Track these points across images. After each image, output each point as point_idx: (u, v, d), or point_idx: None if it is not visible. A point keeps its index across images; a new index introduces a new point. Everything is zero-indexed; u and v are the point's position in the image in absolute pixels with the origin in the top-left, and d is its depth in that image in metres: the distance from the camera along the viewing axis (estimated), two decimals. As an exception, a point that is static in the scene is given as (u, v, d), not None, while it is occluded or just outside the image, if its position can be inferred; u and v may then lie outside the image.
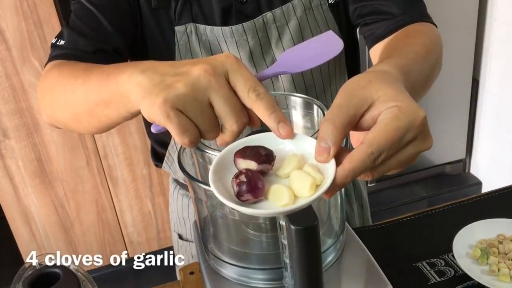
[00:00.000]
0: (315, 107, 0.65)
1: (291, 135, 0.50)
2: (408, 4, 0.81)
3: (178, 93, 0.48)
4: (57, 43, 0.80)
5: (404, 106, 0.46)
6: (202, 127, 0.50)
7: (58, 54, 0.79)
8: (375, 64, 0.63)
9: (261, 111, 0.49)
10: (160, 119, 0.49)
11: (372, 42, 0.83)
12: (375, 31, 0.82)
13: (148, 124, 0.96)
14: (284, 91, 0.84)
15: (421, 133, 0.47)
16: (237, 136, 0.51)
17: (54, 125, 0.79)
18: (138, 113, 0.56)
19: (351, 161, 0.45)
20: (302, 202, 0.45)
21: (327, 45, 0.60)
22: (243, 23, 0.81)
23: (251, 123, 0.52)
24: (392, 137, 0.45)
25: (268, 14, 0.82)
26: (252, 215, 0.57)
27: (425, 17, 0.81)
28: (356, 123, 0.48)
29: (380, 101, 0.47)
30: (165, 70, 0.51)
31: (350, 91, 0.49)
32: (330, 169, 0.46)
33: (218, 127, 0.51)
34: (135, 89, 0.52)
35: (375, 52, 0.82)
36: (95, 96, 0.61)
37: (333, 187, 0.45)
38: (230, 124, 0.50)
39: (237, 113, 0.50)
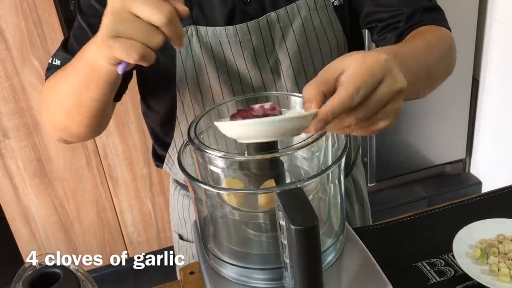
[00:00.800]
0: (315, 107, 0.65)
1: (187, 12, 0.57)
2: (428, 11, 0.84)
3: (106, 25, 0.56)
4: (53, 63, 0.85)
5: (367, 54, 0.53)
6: (142, 38, 0.55)
7: (52, 73, 0.84)
8: None
9: None
10: (108, 54, 0.57)
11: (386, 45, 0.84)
12: (391, 37, 0.83)
13: (150, 124, 0.96)
14: (287, 90, 0.84)
15: (389, 72, 0.52)
16: (172, 27, 0.56)
17: (61, 137, 0.88)
18: (115, 77, 0.65)
19: (331, 100, 0.51)
20: (289, 115, 0.52)
21: None
22: (247, 22, 0.81)
23: (179, 13, 0.57)
24: (362, 75, 0.51)
25: (272, 14, 0.81)
26: (249, 141, 0.59)
27: (441, 21, 0.84)
28: (333, 87, 0.53)
29: (351, 63, 0.53)
30: (105, 20, 0.58)
31: (327, 64, 0.55)
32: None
33: (156, 32, 0.56)
34: (93, 51, 0.61)
35: None
36: (75, 83, 0.69)
37: (317, 122, 0.51)
38: (158, 18, 0.54)
39: (159, 5, 0.54)
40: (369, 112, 0.52)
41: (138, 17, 0.55)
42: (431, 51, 0.72)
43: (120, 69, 0.59)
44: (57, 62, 0.84)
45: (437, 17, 0.84)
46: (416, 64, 0.66)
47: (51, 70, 0.85)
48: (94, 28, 0.82)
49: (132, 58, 0.55)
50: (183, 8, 0.57)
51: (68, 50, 0.84)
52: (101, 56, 0.59)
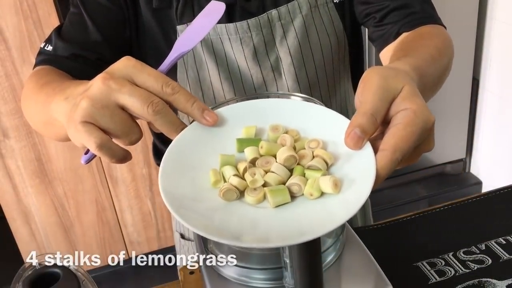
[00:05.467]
0: (315, 106, 0.65)
1: (217, 121, 0.52)
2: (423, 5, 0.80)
3: (82, 107, 0.50)
4: (45, 48, 0.82)
5: (419, 110, 0.47)
6: (117, 130, 0.50)
7: (42, 59, 0.81)
8: (392, 61, 0.63)
9: (182, 103, 0.50)
10: (73, 137, 0.52)
11: (384, 42, 0.81)
12: (389, 29, 0.80)
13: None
14: (288, 89, 0.84)
15: (431, 136, 0.49)
16: (163, 121, 0.51)
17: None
18: None
19: (382, 168, 0.48)
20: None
21: (211, 12, 0.61)
22: (248, 20, 0.81)
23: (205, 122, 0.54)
24: (411, 142, 0.46)
25: (273, 12, 0.81)
26: None
27: (437, 19, 0.80)
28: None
29: (401, 96, 0.48)
30: (79, 91, 0.53)
31: (383, 83, 0.48)
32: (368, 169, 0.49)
33: (135, 127, 0.51)
34: (62, 117, 0.56)
35: (387, 52, 0.80)
36: (42, 116, 0.67)
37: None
38: (148, 112, 0.49)
39: (149, 97, 0.49)
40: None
41: (121, 108, 0.50)
42: (441, 59, 0.69)
43: (83, 159, 0.55)
44: (49, 48, 0.81)
45: (433, 14, 0.82)
46: (430, 77, 0.63)
47: (41, 55, 0.82)
48: (90, 12, 0.81)
49: (90, 146, 0.50)
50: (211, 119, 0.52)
51: (63, 37, 0.81)
52: (67, 130, 0.54)
